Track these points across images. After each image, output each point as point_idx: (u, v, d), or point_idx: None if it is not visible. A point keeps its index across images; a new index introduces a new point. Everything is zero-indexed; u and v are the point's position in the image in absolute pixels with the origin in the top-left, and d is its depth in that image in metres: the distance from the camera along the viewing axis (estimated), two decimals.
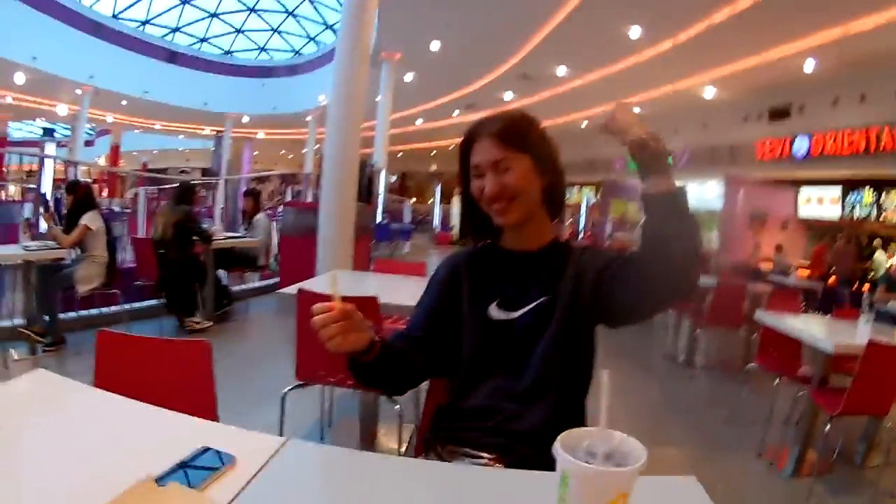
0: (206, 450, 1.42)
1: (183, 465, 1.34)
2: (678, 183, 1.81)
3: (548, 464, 1.23)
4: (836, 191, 18.88)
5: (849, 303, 8.16)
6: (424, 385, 2.46)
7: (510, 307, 2.06)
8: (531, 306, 2.03)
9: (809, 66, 15.34)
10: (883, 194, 17.12)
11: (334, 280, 1.65)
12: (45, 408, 1.74)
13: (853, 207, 18.30)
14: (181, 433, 1.61)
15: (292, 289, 3.84)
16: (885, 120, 15.05)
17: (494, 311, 2.07)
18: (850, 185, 18.21)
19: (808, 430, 4.74)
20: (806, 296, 8.12)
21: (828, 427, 4.16)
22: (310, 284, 4.17)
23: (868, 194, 17.67)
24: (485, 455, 1.90)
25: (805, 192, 20.37)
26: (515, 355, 2.01)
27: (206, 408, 2.29)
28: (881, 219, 17.27)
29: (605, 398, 1.12)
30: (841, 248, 9.24)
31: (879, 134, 15.20)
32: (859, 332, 4.90)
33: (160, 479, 1.26)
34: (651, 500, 1.07)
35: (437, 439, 2.06)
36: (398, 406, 3.46)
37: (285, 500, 1.31)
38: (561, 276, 2.03)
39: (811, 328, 5.02)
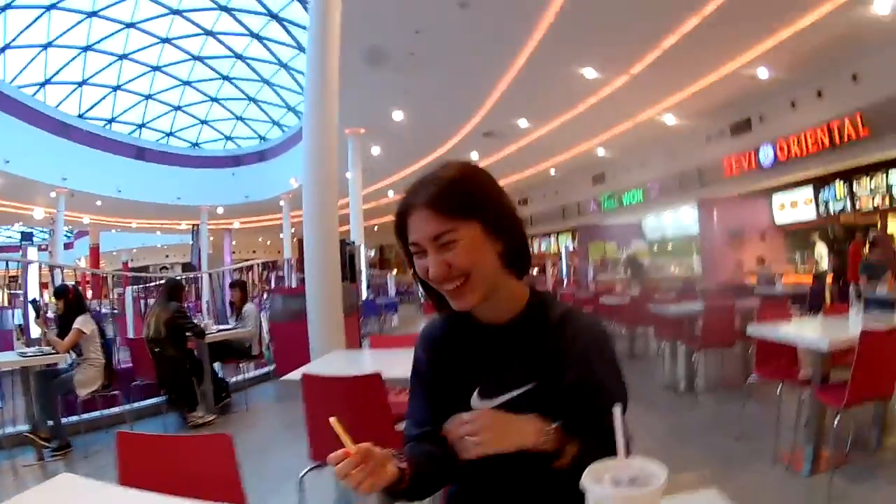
0: None
1: None
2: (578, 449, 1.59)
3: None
4: (808, 191, 19.01)
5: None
6: None
7: (491, 394, 1.79)
8: (515, 394, 1.75)
9: (763, 73, 15.48)
10: (854, 184, 17.27)
11: (340, 426, 1.51)
12: None
13: (827, 204, 18.44)
14: None
15: (296, 374, 3.90)
16: (843, 111, 15.21)
17: (476, 402, 1.81)
18: (820, 183, 18.35)
19: (818, 429, 4.86)
20: (794, 300, 8.23)
21: (836, 421, 4.28)
22: (313, 368, 4.26)
23: (840, 187, 17.79)
24: None
25: (778, 198, 20.49)
26: None
27: (233, 496, 2.29)
28: (857, 207, 17.40)
29: (620, 431, 1.20)
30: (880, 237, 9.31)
31: (841, 127, 15.33)
32: (851, 325, 5.11)
33: None
34: None
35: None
36: None
37: None
38: (543, 356, 1.75)
39: (804, 331, 5.17)
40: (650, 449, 4.28)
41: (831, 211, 18.34)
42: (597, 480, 1.12)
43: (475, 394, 1.82)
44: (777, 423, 5.28)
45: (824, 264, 16.79)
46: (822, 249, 17.40)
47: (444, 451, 1.74)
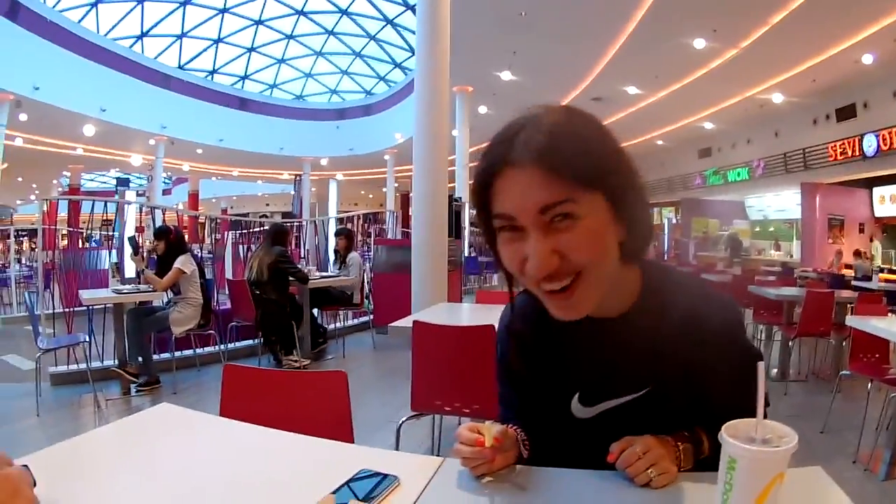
0: (364, 471, 1.42)
1: (353, 484, 1.36)
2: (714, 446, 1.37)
3: None
4: None
5: None
6: None
7: (595, 399, 1.52)
8: (624, 400, 1.48)
9: (867, 59, 15.16)
10: None
11: (488, 430, 1.40)
12: (185, 440, 1.72)
13: None
14: (333, 457, 1.61)
15: (406, 321, 3.92)
16: None
17: (578, 409, 1.54)
18: None
19: None
20: (889, 298, 8.04)
21: None
22: (424, 316, 4.26)
23: None
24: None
25: (878, 191, 20.09)
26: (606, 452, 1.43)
27: (342, 435, 2.22)
28: None
29: (761, 389, 1.16)
30: None
31: None
32: None
33: (339, 500, 1.28)
34: (787, 490, 1.12)
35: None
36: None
37: None
38: (660, 352, 1.41)
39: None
40: None
41: None
42: (733, 436, 1.12)
43: (575, 399, 1.54)
44: (862, 422, 5.16)
45: None
46: None
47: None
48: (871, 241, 20.21)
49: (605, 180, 1.21)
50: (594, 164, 1.20)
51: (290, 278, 8.41)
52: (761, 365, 1.15)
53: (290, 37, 43.69)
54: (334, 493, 1.32)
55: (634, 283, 1.46)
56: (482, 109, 22.90)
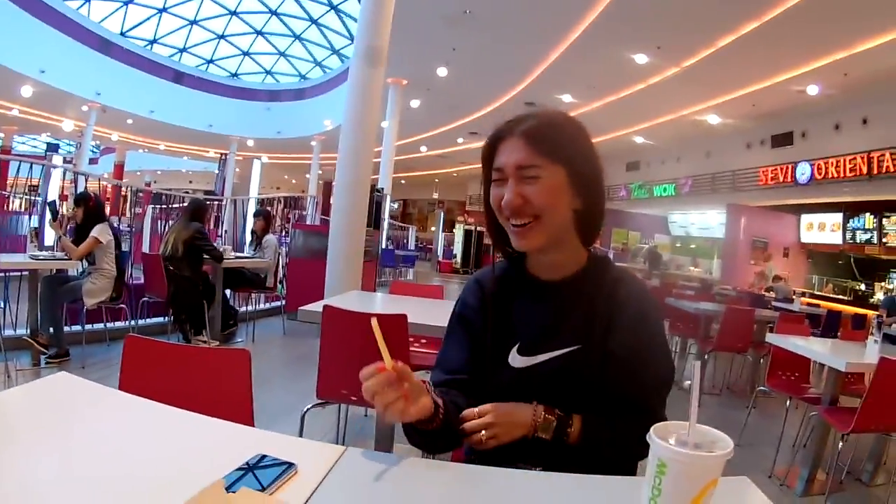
0: (264, 457, 1.37)
1: (247, 470, 1.31)
2: (581, 428, 1.69)
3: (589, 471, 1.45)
4: (838, 217, 19.36)
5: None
6: None
7: (532, 351, 1.79)
8: (557, 354, 1.76)
9: (812, 90, 15.39)
10: (883, 219, 17.50)
11: (379, 331, 1.47)
12: (79, 412, 1.66)
13: (854, 232, 18.52)
14: (231, 440, 1.57)
15: (316, 306, 3.81)
16: (887, 144, 15.15)
17: (515, 359, 1.81)
18: (851, 211, 18.53)
19: (818, 450, 4.84)
20: (810, 322, 8.17)
21: (840, 445, 4.20)
22: (336, 301, 4.16)
23: (869, 220, 17.97)
24: (531, 468, 1.60)
25: (806, 218, 20.77)
26: (540, 401, 1.73)
27: (241, 417, 2.14)
28: (884, 241, 17.64)
29: (695, 390, 1.18)
30: None
31: (881, 158, 15.26)
32: (868, 351, 5.07)
33: (229, 484, 1.22)
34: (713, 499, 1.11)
35: (472, 455, 1.83)
36: None
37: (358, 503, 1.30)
38: (591, 318, 1.76)
39: (822, 348, 5.09)
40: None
41: (858, 240, 18.49)
42: (663, 439, 1.11)
43: (514, 349, 1.82)
44: (779, 438, 5.28)
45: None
46: None
47: (468, 402, 1.77)
48: (766, 261, 20.81)
49: (567, 160, 1.73)
50: (562, 147, 1.74)
51: (205, 256, 8.25)
52: (697, 365, 1.27)
53: (233, 13, 43.49)
54: (227, 479, 1.24)
55: (581, 258, 1.87)
56: (414, 103, 22.84)
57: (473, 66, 18.51)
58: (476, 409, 1.71)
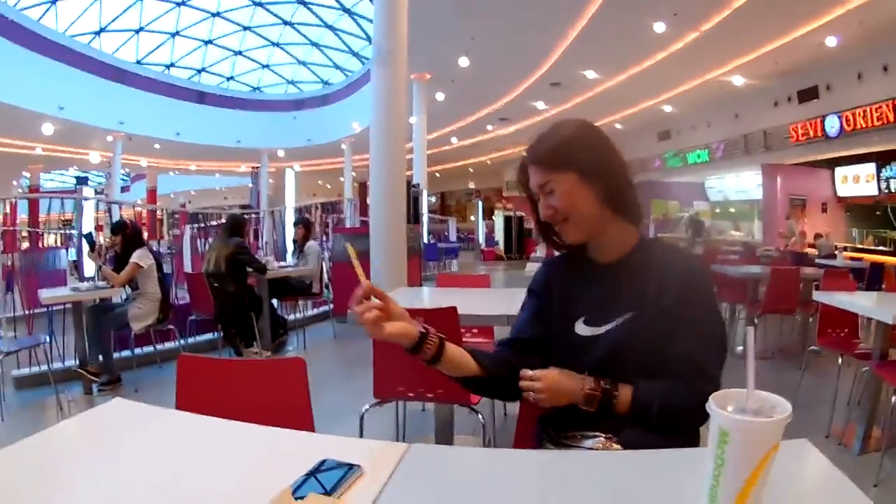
0: (328, 461, 1.38)
1: (313, 476, 1.31)
2: (634, 400, 1.86)
3: (655, 440, 1.61)
4: (871, 167, 19.09)
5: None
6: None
7: (596, 323, 2.02)
8: (616, 323, 1.96)
9: (831, 42, 15.29)
10: None
11: (354, 253, 1.82)
12: (138, 434, 1.67)
13: (888, 181, 18.23)
14: (294, 447, 1.59)
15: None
16: None
17: (581, 328, 2.05)
18: (883, 160, 18.30)
19: (871, 406, 4.76)
20: (854, 276, 8.07)
21: (894, 399, 4.15)
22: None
23: None
24: (599, 434, 1.91)
25: (840, 171, 20.48)
26: (604, 371, 1.93)
27: (302, 424, 2.21)
28: None
29: (750, 356, 1.17)
30: None
31: None
32: None
33: (296, 491, 1.24)
34: (775, 464, 1.10)
35: (543, 434, 2.09)
36: (482, 417, 3.42)
37: (425, 500, 1.30)
38: (644, 288, 1.94)
39: (868, 302, 5.04)
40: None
41: (893, 189, 18.28)
42: (723, 407, 1.11)
43: (580, 321, 2.05)
44: (834, 397, 5.19)
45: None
46: None
47: (522, 359, 2.07)
48: (787, 219, 20.58)
49: (572, 163, 1.96)
50: (565, 156, 1.97)
51: (249, 269, 8.28)
52: (750, 330, 1.23)
53: (246, 28, 43.46)
54: (293, 486, 1.26)
55: (631, 239, 2.06)
56: (440, 96, 22.84)
57: (494, 53, 18.48)
58: (532, 372, 1.93)
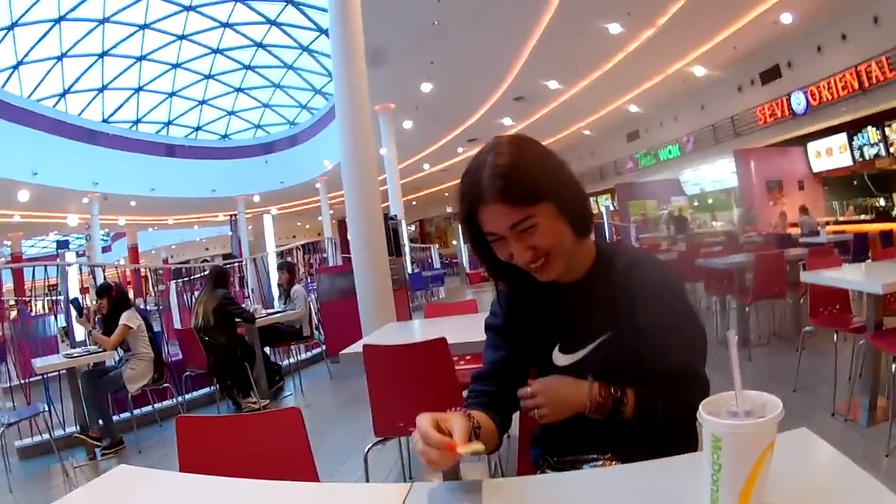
0: None
1: None
2: (635, 403, 1.76)
3: (654, 450, 1.49)
4: (842, 137, 19.05)
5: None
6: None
7: (573, 349, 1.89)
8: (594, 345, 1.85)
9: (786, 18, 15.48)
10: (886, 129, 17.24)
11: (459, 430, 1.48)
12: (146, 499, 1.66)
13: (861, 149, 18.34)
14: (298, 500, 1.58)
15: (356, 347, 3.84)
16: (869, 55, 15.32)
17: (559, 358, 1.92)
18: (853, 129, 18.33)
19: (874, 377, 4.77)
20: (839, 249, 8.11)
21: (894, 367, 4.21)
22: (371, 340, 4.20)
23: (873, 133, 17.79)
24: (599, 457, 1.85)
25: (812, 146, 20.50)
26: None
27: (304, 473, 2.18)
28: (891, 152, 17.40)
29: (735, 359, 1.16)
30: None
31: (868, 70, 15.43)
32: None
33: None
34: (776, 457, 1.09)
35: (541, 460, 2.02)
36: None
37: None
38: (614, 305, 1.82)
39: (856, 276, 5.11)
40: None
41: (866, 156, 18.24)
42: (715, 414, 1.10)
43: (556, 350, 1.92)
44: (834, 374, 5.18)
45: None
46: None
47: (506, 390, 1.95)
48: (749, 210, 20.73)
49: (549, 193, 1.71)
50: (540, 186, 1.70)
51: (237, 320, 8.28)
52: (731, 333, 1.20)
53: (208, 76, 43.44)
54: None
55: (590, 253, 1.92)
56: (407, 125, 22.95)
57: (455, 75, 18.61)
58: (530, 389, 1.84)
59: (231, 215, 32.76)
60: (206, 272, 9.69)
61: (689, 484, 1.23)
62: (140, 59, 38.48)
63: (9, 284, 25.53)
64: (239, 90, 46.13)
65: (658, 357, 1.75)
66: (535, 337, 1.98)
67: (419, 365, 3.51)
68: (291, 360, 10.50)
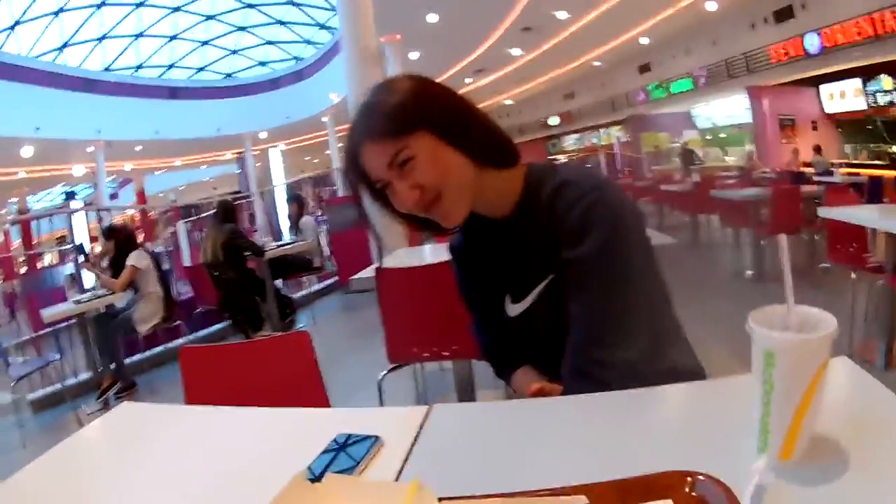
0: (348, 436, 1.30)
1: (331, 454, 1.24)
2: None
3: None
4: (857, 82, 18.94)
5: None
6: None
7: (521, 296, 1.72)
8: (538, 290, 1.66)
9: None
10: None
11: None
12: (150, 435, 1.61)
13: (875, 95, 18.26)
14: (309, 425, 1.52)
15: (368, 272, 3.89)
16: (883, 4, 14.98)
17: (511, 308, 1.77)
18: (868, 75, 18.23)
19: (892, 320, 4.69)
20: (854, 190, 8.03)
21: None
22: (387, 263, 4.27)
23: (887, 81, 17.73)
24: None
25: (826, 88, 20.40)
26: (554, 350, 1.63)
27: (315, 399, 2.15)
28: None
29: (787, 268, 1.06)
30: None
31: (882, 18, 15.15)
32: None
33: (313, 473, 1.16)
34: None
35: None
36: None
37: (453, 463, 1.21)
38: (549, 241, 1.57)
39: (875, 215, 4.97)
40: (727, 338, 4.07)
41: (880, 103, 18.28)
42: (767, 326, 1.00)
43: (507, 300, 1.80)
44: (851, 314, 5.06)
45: None
46: None
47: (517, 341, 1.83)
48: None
49: (421, 120, 1.52)
50: (409, 115, 1.52)
51: (246, 253, 8.22)
52: (783, 238, 1.09)
53: (210, 17, 43.08)
54: (309, 468, 1.19)
55: (517, 184, 1.68)
56: (413, 56, 22.76)
57: (462, 4, 18.40)
58: (536, 386, 1.66)
59: (238, 153, 32.70)
60: (215, 208, 9.68)
61: (731, 406, 1.20)
62: (139, 5, 38.21)
63: (17, 242, 25.56)
64: (242, 28, 45.78)
65: (579, 308, 1.55)
66: (488, 286, 1.84)
67: (433, 288, 3.40)
68: (304, 292, 10.56)
